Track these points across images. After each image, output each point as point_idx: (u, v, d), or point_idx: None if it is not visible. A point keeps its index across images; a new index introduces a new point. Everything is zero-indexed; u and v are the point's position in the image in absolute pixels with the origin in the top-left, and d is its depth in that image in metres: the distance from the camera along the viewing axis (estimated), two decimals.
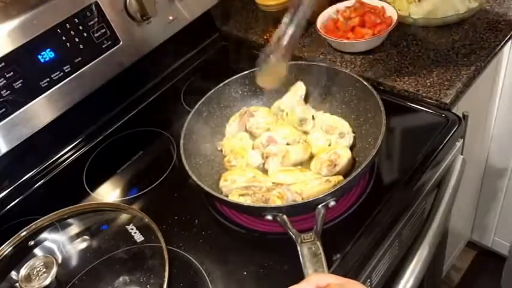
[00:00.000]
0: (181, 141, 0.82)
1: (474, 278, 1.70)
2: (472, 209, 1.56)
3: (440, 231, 0.88)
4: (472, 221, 1.63)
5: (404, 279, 0.82)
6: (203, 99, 0.90)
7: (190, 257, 0.76)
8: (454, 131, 0.86)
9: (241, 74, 0.93)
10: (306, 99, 0.93)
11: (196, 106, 0.89)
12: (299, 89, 0.93)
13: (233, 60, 1.18)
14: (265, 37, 1.17)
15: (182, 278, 0.74)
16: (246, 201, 0.75)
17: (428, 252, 0.84)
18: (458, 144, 0.92)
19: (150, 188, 0.91)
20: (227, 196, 0.78)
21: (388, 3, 1.09)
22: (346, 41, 1.04)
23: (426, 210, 0.91)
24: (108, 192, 0.94)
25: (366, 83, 0.83)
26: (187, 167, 0.77)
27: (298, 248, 0.66)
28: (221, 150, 0.89)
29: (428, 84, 0.94)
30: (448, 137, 0.85)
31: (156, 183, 0.91)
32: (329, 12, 1.13)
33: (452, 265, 1.66)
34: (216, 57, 1.22)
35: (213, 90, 0.91)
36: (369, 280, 0.77)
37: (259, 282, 0.71)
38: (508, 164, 1.37)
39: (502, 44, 1.00)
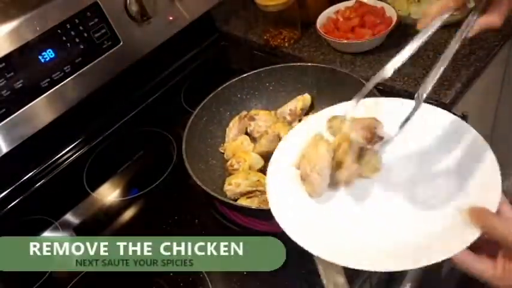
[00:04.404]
0: (183, 146, 0.80)
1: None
2: None
3: None
4: None
5: (404, 280, 0.82)
6: (202, 104, 0.89)
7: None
8: None
9: (239, 77, 0.92)
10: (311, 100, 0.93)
11: (196, 111, 0.87)
12: (306, 99, 0.92)
13: (233, 61, 1.18)
14: (265, 37, 1.17)
15: (182, 278, 0.74)
16: (253, 202, 0.75)
17: None
18: None
19: (150, 187, 0.91)
20: (231, 199, 0.77)
21: (388, 3, 1.09)
22: (346, 41, 1.04)
23: None
24: (109, 192, 0.94)
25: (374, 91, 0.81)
26: (191, 173, 0.75)
27: (315, 257, 0.64)
28: (223, 154, 0.89)
29: None
30: None
31: (156, 183, 0.91)
32: (329, 12, 1.13)
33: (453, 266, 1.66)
34: (216, 57, 1.22)
35: (211, 95, 0.90)
36: (368, 280, 0.77)
37: (259, 282, 0.72)
38: (509, 164, 1.37)
39: (502, 44, 1.00)
